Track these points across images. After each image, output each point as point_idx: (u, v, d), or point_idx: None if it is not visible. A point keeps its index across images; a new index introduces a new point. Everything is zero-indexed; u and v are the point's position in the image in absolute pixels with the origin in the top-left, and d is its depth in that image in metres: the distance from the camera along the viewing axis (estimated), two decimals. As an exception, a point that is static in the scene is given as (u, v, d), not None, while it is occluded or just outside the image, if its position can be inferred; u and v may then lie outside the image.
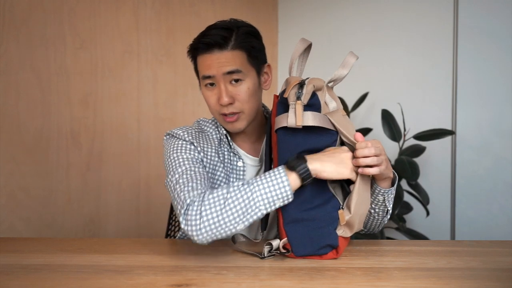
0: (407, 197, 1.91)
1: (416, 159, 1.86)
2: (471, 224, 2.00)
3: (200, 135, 1.13)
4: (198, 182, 0.96)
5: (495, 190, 1.94)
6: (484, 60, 1.97)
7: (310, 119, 0.88)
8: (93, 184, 1.97)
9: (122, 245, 1.07)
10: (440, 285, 0.77)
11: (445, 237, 2.06)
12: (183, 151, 1.06)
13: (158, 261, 0.92)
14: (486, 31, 1.96)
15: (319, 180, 0.91)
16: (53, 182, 1.85)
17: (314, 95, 0.91)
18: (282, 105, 0.92)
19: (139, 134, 2.11)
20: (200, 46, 1.05)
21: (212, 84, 1.07)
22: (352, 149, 0.93)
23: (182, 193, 0.92)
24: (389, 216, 1.10)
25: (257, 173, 1.15)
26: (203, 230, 0.86)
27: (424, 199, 1.85)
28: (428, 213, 1.89)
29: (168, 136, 1.13)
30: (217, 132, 1.15)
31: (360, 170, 0.91)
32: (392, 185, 1.03)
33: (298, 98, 0.88)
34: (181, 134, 1.10)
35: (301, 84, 0.90)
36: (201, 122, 1.19)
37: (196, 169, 1.01)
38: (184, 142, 1.08)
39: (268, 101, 1.18)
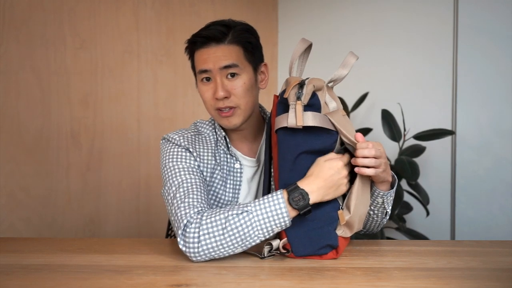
0: (407, 197, 1.91)
1: (416, 159, 1.86)
2: (471, 224, 2.00)
3: (197, 139, 1.13)
4: (195, 197, 0.97)
5: (495, 190, 1.94)
6: (484, 60, 1.97)
7: (310, 119, 0.88)
8: (93, 184, 1.97)
9: (122, 245, 1.07)
10: (440, 285, 0.77)
11: (445, 237, 2.06)
12: (179, 159, 1.06)
13: (158, 261, 0.92)
14: (486, 31, 1.96)
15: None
16: (53, 182, 1.85)
17: (314, 95, 0.91)
18: (282, 105, 0.92)
19: (139, 134, 2.11)
20: (198, 40, 1.06)
21: (208, 79, 1.07)
22: (352, 149, 0.93)
23: (179, 211, 0.94)
24: (388, 217, 1.10)
25: (254, 174, 1.15)
26: (202, 253, 0.89)
27: (424, 199, 1.85)
28: (428, 213, 1.89)
29: (164, 141, 1.13)
30: (214, 133, 1.15)
31: (356, 169, 0.91)
32: (391, 188, 1.03)
33: (298, 98, 0.88)
34: (177, 139, 1.10)
35: (301, 84, 0.90)
36: (198, 124, 1.19)
37: (193, 180, 1.02)
38: (180, 148, 1.08)
39: (268, 101, 1.18)
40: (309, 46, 0.97)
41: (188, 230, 0.90)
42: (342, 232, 0.94)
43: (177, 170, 1.04)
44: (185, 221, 0.91)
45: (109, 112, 2.01)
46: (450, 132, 1.89)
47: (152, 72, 2.15)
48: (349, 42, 2.38)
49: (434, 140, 1.91)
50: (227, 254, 0.90)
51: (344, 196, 0.97)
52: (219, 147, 1.13)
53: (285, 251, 0.94)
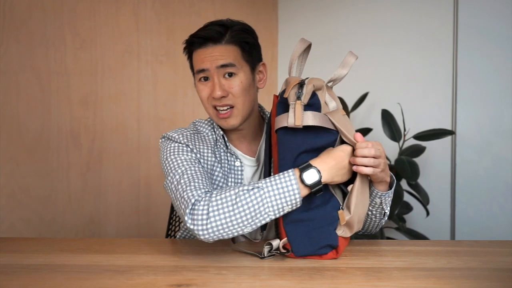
0: (407, 197, 1.91)
1: (416, 159, 1.86)
2: (471, 224, 2.00)
3: (196, 137, 1.13)
4: (200, 181, 0.96)
5: (495, 190, 1.94)
6: (484, 60, 1.97)
7: (310, 118, 0.88)
8: (93, 184, 1.97)
9: (122, 245, 1.07)
10: (440, 285, 0.77)
11: (445, 237, 2.06)
12: (180, 153, 1.06)
13: (158, 261, 0.92)
14: (486, 31, 1.96)
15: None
16: (53, 182, 1.85)
17: (314, 95, 0.91)
18: (282, 105, 0.92)
19: (139, 134, 2.11)
20: (196, 41, 1.08)
21: (206, 79, 1.08)
22: (353, 148, 0.93)
23: (185, 193, 0.92)
24: (386, 218, 1.10)
25: (254, 173, 1.15)
26: (210, 230, 0.87)
27: (424, 199, 1.85)
28: (428, 213, 1.89)
29: (163, 139, 1.13)
30: (213, 132, 1.15)
31: (354, 167, 0.91)
32: (390, 188, 1.03)
33: (298, 98, 0.88)
34: (176, 136, 1.10)
35: (301, 84, 0.90)
36: (196, 123, 1.19)
37: (196, 169, 1.01)
38: (179, 144, 1.08)
39: (268, 101, 1.18)
40: (309, 46, 0.97)
41: (196, 207, 0.88)
42: (342, 232, 0.94)
43: (179, 161, 1.03)
44: (193, 200, 0.89)
45: (109, 112, 2.01)
46: (450, 132, 1.89)
47: (152, 72, 2.15)
48: (349, 42, 2.38)
49: (434, 140, 1.91)
50: (235, 233, 0.88)
51: (344, 196, 0.97)
52: (218, 146, 1.13)
53: (285, 251, 0.94)
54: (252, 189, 0.88)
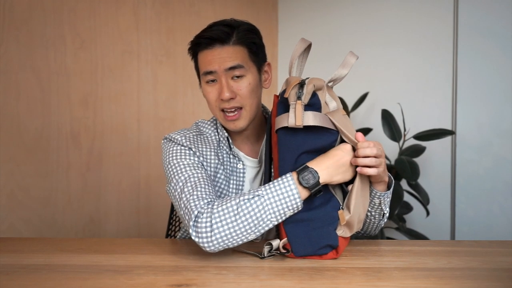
0: (407, 197, 1.91)
1: (416, 159, 1.86)
2: (471, 224, 2.01)
3: (199, 138, 1.12)
4: (203, 189, 0.96)
5: (495, 190, 1.94)
6: (484, 60, 1.97)
7: (311, 118, 0.88)
8: (93, 184, 1.97)
9: (122, 245, 1.07)
10: (440, 285, 0.77)
11: (445, 237, 2.06)
12: (183, 156, 1.06)
13: (158, 261, 0.92)
14: (486, 31, 1.96)
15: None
16: (53, 182, 1.85)
17: (314, 95, 0.91)
18: (283, 105, 0.92)
19: (139, 134, 2.11)
20: (202, 42, 1.06)
21: (213, 81, 1.07)
22: (353, 148, 0.93)
23: (188, 203, 0.93)
24: (385, 219, 1.10)
25: (257, 174, 1.15)
26: (215, 242, 0.88)
27: (424, 199, 1.85)
28: (428, 213, 1.89)
29: (166, 141, 1.12)
30: (216, 133, 1.15)
31: (358, 169, 0.91)
32: (388, 188, 1.03)
33: (299, 98, 0.88)
34: (179, 138, 1.09)
35: (302, 84, 0.90)
36: (199, 124, 1.18)
37: (199, 174, 1.01)
38: (182, 147, 1.08)
39: (269, 101, 1.18)
40: (309, 46, 0.97)
41: (199, 220, 0.89)
42: (342, 232, 0.94)
43: (182, 167, 1.03)
44: (196, 212, 0.90)
45: (109, 112, 2.01)
46: (450, 132, 1.89)
47: (152, 72, 2.15)
48: (349, 42, 2.38)
49: (434, 140, 1.91)
50: (240, 242, 0.89)
51: (344, 196, 0.97)
52: (221, 147, 1.13)
53: (285, 251, 0.94)
54: (253, 197, 0.88)
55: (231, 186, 1.11)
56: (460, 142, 2.03)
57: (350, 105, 2.14)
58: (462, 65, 2.02)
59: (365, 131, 2.08)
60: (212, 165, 1.09)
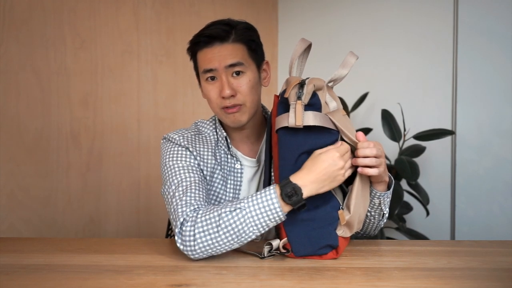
0: (407, 197, 1.91)
1: (416, 159, 1.86)
2: (471, 224, 2.00)
3: (197, 138, 1.13)
4: (193, 195, 0.97)
5: (495, 190, 1.94)
6: (484, 60, 1.97)
7: (311, 118, 0.88)
8: (93, 184, 1.97)
9: (122, 245, 1.07)
10: (440, 285, 0.77)
11: (445, 237, 2.06)
12: (179, 158, 1.06)
13: (158, 261, 0.92)
14: (486, 31, 1.96)
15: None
16: (53, 182, 1.85)
17: (314, 95, 0.91)
18: (283, 105, 0.92)
19: (139, 134, 2.11)
20: (202, 40, 1.06)
21: (213, 78, 1.07)
22: (353, 148, 0.93)
23: (176, 209, 0.95)
24: (385, 220, 1.10)
25: (254, 174, 1.15)
26: (198, 251, 0.89)
27: (424, 199, 1.85)
28: (428, 213, 1.89)
29: (164, 141, 1.13)
30: (215, 133, 1.15)
31: (359, 170, 0.91)
32: (388, 188, 1.03)
33: (299, 98, 0.88)
34: (177, 138, 1.10)
35: (302, 84, 0.90)
36: (198, 123, 1.19)
37: (192, 178, 1.02)
38: (180, 148, 1.08)
39: (269, 101, 1.18)
40: (309, 46, 0.97)
41: (184, 228, 0.90)
42: (342, 232, 0.94)
43: (176, 169, 1.04)
44: (181, 219, 0.92)
45: (109, 112, 2.01)
46: (450, 132, 1.89)
47: (152, 72, 2.15)
48: (349, 42, 2.38)
49: (434, 140, 1.91)
50: (224, 251, 0.90)
51: (344, 196, 0.97)
52: (219, 147, 1.13)
53: (285, 251, 0.94)
54: (234, 210, 0.88)
55: (228, 186, 1.11)
56: (460, 142, 2.03)
57: (350, 105, 2.14)
58: (462, 65, 2.02)
59: (365, 131, 2.08)
60: (209, 165, 1.10)
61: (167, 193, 1.02)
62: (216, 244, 0.89)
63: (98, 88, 1.98)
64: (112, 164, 2.02)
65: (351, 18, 2.38)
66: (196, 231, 0.89)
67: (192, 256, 0.90)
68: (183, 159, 1.06)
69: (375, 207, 1.04)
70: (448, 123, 2.05)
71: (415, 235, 1.86)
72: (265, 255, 0.93)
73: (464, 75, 2.02)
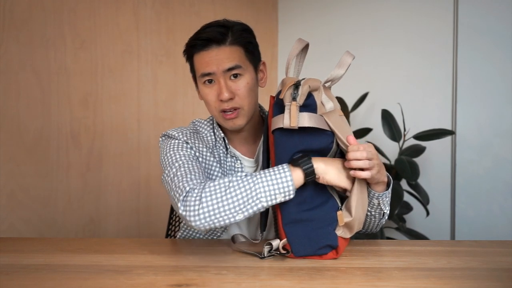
0: (407, 197, 1.91)
1: (416, 159, 1.86)
2: (471, 224, 2.00)
3: (195, 136, 1.14)
4: (197, 174, 0.97)
5: (495, 190, 1.94)
6: (484, 60, 1.97)
7: (306, 120, 0.87)
8: (93, 184, 1.97)
9: (122, 245, 1.07)
10: (440, 285, 0.77)
11: (445, 237, 2.06)
12: (179, 148, 1.07)
13: (158, 261, 0.92)
14: (486, 31, 1.96)
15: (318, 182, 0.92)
16: (53, 182, 1.85)
17: (310, 95, 0.90)
18: (278, 106, 0.92)
19: (139, 134, 2.11)
20: (198, 43, 1.05)
21: (210, 81, 1.07)
22: (346, 151, 0.92)
23: (181, 183, 0.93)
24: (386, 218, 1.10)
25: None
26: (202, 216, 0.86)
27: (424, 199, 1.85)
28: (428, 213, 1.89)
29: (163, 138, 1.14)
30: (212, 134, 1.15)
31: (352, 172, 0.90)
32: (387, 188, 1.03)
33: (294, 99, 0.88)
34: (176, 134, 1.11)
35: (297, 85, 0.89)
36: (196, 123, 1.19)
37: (194, 163, 1.02)
38: (178, 141, 1.09)
39: (265, 102, 1.18)
40: (306, 46, 0.96)
41: (190, 195, 0.89)
42: (341, 232, 0.94)
43: (177, 156, 1.04)
44: (187, 188, 0.90)
45: (109, 112, 2.01)
46: (450, 132, 1.89)
47: (152, 72, 2.15)
48: (349, 42, 2.38)
49: (434, 140, 1.91)
50: (227, 220, 0.87)
51: (339, 196, 0.97)
52: (217, 147, 1.13)
53: (285, 252, 0.94)
54: (245, 176, 0.88)
55: None
56: (460, 142, 2.03)
57: (350, 105, 2.14)
58: (462, 65, 2.02)
59: (365, 131, 2.08)
60: (208, 162, 1.11)
61: (166, 176, 1.00)
62: (221, 210, 0.86)
63: (98, 88, 1.98)
64: (112, 164, 2.02)
65: (351, 18, 2.38)
66: (203, 195, 0.87)
67: (193, 223, 0.87)
68: (183, 149, 1.07)
69: (375, 207, 1.04)
70: (448, 123, 2.05)
71: (415, 235, 1.86)
72: (265, 255, 0.93)
73: (464, 75, 2.02)
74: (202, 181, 0.94)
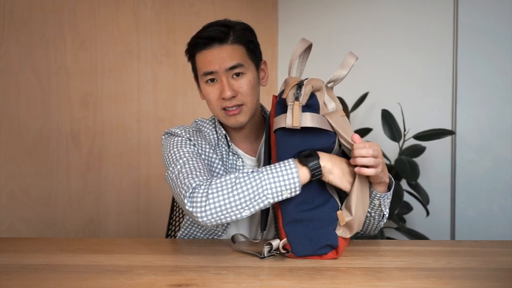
0: (407, 197, 1.91)
1: (416, 159, 1.86)
2: (471, 224, 2.00)
3: (198, 134, 1.14)
4: (202, 171, 0.97)
5: (495, 190, 1.94)
6: (484, 60, 1.97)
7: (308, 120, 0.88)
8: (93, 184, 1.97)
9: (122, 245, 1.07)
10: (440, 285, 0.77)
11: (445, 237, 2.06)
12: (182, 145, 1.07)
13: (158, 261, 0.92)
14: (486, 31, 1.95)
15: (319, 181, 0.92)
16: (53, 182, 1.85)
17: (312, 95, 0.90)
18: (281, 105, 0.92)
19: (139, 134, 2.11)
20: (200, 42, 1.06)
21: (212, 80, 1.07)
22: (349, 150, 0.93)
23: (186, 180, 0.93)
24: (385, 220, 1.10)
25: None
26: (208, 212, 0.87)
27: (424, 199, 1.85)
28: (428, 213, 1.89)
29: (166, 135, 1.14)
30: (215, 132, 1.16)
31: (356, 169, 0.90)
32: (389, 190, 1.03)
33: (296, 98, 0.88)
34: (179, 132, 1.11)
35: (300, 85, 0.89)
36: (198, 122, 1.20)
37: (198, 160, 1.02)
38: (182, 138, 1.10)
39: (268, 101, 1.18)
40: (309, 46, 0.97)
41: (196, 191, 0.89)
42: (341, 232, 0.94)
43: (181, 153, 1.04)
44: (194, 185, 0.90)
45: (109, 112, 2.01)
46: (450, 132, 1.89)
47: (152, 72, 2.15)
48: (349, 42, 2.38)
49: (434, 140, 1.91)
50: (233, 216, 0.88)
51: (339, 196, 0.97)
52: (220, 145, 1.14)
53: (285, 251, 0.94)
54: (252, 172, 0.89)
55: None
56: (460, 142, 2.03)
57: (350, 105, 2.14)
58: (462, 65, 2.02)
59: (365, 131, 2.08)
60: (211, 159, 1.11)
61: (171, 173, 1.00)
62: (228, 206, 0.86)
63: (98, 88, 1.98)
64: (112, 164, 2.02)
65: (351, 18, 2.38)
66: (210, 191, 0.87)
67: (200, 219, 0.88)
68: (186, 146, 1.07)
69: (375, 208, 1.04)
70: (448, 123, 2.05)
71: (415, 235, 1.86)
72: (265, 255, 0.93)
73: (464, 75, 2.02)
74: (208, 177, 0.94)
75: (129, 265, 0.89)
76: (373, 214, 1.06)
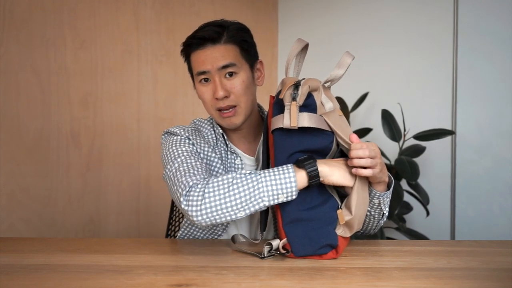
0: (407, 197, 1.91)
1: (416, 159, 1.86)
2: (471, 224, 2.00)
3: (197, 133, 1.15)
4: (199, 170, 0.97)
5: (495, 190, 1.94)
6: (484, 60, 1.97)
7: (306, 120, 0.87)
8: (93, 184, 1.97)
9: (122, 245, 1.07)
10: (440, 285, 0.77)
11: (445, 237, 2.06)
12: (181, 144, 1.07)
13: (158, 261, 0.92)
14: (486, 31, 1.95)
15: (318, 182, 0.92)
16: (53, 182, 1.85)
17: (310, 95, 0.90)
18: (278, 106, 0.92)
19: (139, 134, 2.11)
20: (194, 42, 1.07)
21: (206, 80, 1.08)
22: (347, 150, 0.93)
23: (183, 178, 0.93)
24: (385, 219, 1.10)
25: None
26: (203, 212, 0.87)
27: (424, 199, 1.85)
28: (428, 213, 1.89)
29: (166, 134, 1.15)
30: (213, 132, 1.16)
31: (354, 170, 0.90)
32: (388, 189, 1.03)
33: (294, 99, 0.88)
34: (178, 131, 1.12)
35: (297, 85, 0.89)
36: (197, 122, 1.20)
37: (196, 159, 1.03)
38: (181, 137, 1.10)
39: (265, 102, 1.18)
40: (306, 46, 0.96)
41: (193, 190, 0.89)
42: (341, 231, 0.93)
43: (180, 152, 1.04)
44: (191, 183, 0.90)
45: (109, 112, 2.01)
46: (450, 132, 1.89)
47: (152, 72, 2.15)
48: (349, 42, 2.38)
49: (434, 140, 1.91)
50: (228, 217, 0.88)
51: (339, 195, 0.97)
52: (219, 145, 1.14)
53: (285, 251, 0.94)
54: (249, 173, 0.89)
55: None
56: (460, 142, 2.03)
57: (350, 105, 2.14)
58: (462, 65, 2.02)
59: (365, 131, 2.08)
60: (210, 158, 1.11)
61: (168, 171, 1.00)
62: (224, 207, 0.86)
63: (98, 88, 1.98)
64: (112, 164, 2.02)
65: (351, 18, 2.38)
66: (206, 191, 0.87)
67: (195, 219, 0.88)
68: (185, 145, 1.07)
69: (375, 207, 1.04)
70: (448, 123, 2.05)
71: (415, 235, 1.86)
72: (265, 255, 0.93)
73: (464, 75, 2.02)
74: (205, 176, 0.94)
75: (129, 265, 0.89)
76: (372, 213, 1.06)
